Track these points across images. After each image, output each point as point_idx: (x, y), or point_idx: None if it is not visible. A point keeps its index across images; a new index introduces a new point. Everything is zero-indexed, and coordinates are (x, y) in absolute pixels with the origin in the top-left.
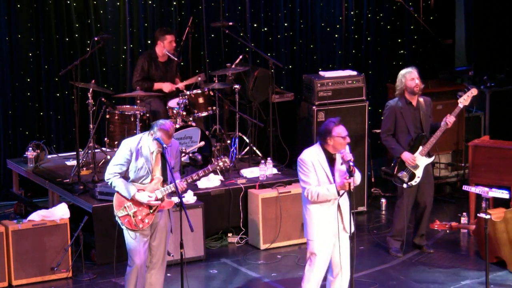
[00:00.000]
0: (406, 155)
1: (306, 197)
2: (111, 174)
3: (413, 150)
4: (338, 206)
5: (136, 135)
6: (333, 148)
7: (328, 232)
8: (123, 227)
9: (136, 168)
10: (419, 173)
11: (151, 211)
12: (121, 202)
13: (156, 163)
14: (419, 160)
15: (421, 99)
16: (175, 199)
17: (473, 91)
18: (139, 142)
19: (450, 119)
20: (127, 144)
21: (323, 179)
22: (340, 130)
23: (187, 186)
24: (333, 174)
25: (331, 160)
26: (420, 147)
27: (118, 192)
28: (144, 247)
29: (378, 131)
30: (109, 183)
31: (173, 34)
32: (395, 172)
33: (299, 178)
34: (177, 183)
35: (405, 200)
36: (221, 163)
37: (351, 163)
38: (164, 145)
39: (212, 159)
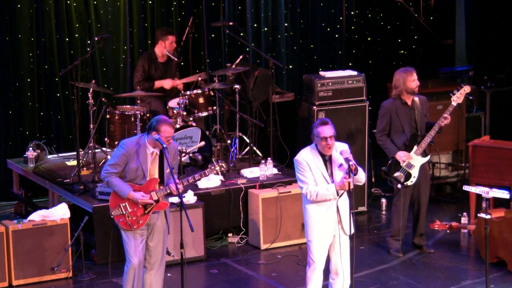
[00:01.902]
0: (400, 154)
1: (305, 196)
2: (107, 174)
3: (408, 150)
4: (337, 207)
5: (135, 136)
6: (321, 149)
7: (326, 233)
8: (119, 227)
9: (132, 168)
10: (414, 173)
11: (146, 211)
12: (116, 201)
13: (153, 164)
14: (415, 160)
15: (416, 98)
16: (173, 200)
17: (466, 89)
18: (137, 143)
19: (444, 119)
20: (125, 145)
21: (320, 179)
22: (320, 130)
23: (184, 188)
24: (330, 174)
25: (325, 160)
26: (415, 147)
27: (114, 191)
28: (140, 246)
29: None
30: (105, 182)
31: (175, 35)
32: (390, 172)
33: (297, 178)
34: (174, 185)
35: (402, 199)
36: (217, 168)
37: (351, 162)
38: (165, 145)
39: (213, 159)
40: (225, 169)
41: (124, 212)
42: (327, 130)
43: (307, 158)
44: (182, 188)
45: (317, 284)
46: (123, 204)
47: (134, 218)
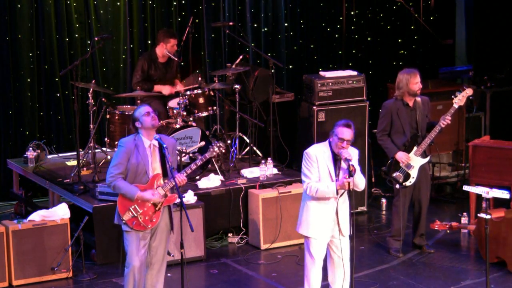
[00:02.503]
0: (400, 155)
1: (305, 191)
2: (113, 177)
3: (408, 150)
4: (336, 207)
5: (131, 135)
6: (334, 147)
7: (325, 230)
8: (128, 229)
9: (133, 164)
10: (413, 173)
11: (156, 208)
12: (125, 205)
13: (153, 158)
14: (414, 160)
15: (418, 99)
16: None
17: (468, 91)
18: (134, 139)
19: (444, 121)
20: (123, 143)
21: (325, 176)
22: (341, 131)
23: (187, 178)
24: (336, 173)
25: (336, 159)
26: (415, 147)
27: (121, 195)
28: (143, 248)
29: None
30: (111, 187)
31: (177, 38)
32: (389, 173)
33: (301, 171)
34: (177, 177)
35: (402, 199)
36: (216, 149)
37: (351, 163)
38: (164, 145)
39: (212, 142)
40: (224, 148)
41: (136, 214)
42: (347, 133)
43: (317, 153)
44: (185, 179)
45: (316, 282)
46: (132, 207)
47: (147, 218)
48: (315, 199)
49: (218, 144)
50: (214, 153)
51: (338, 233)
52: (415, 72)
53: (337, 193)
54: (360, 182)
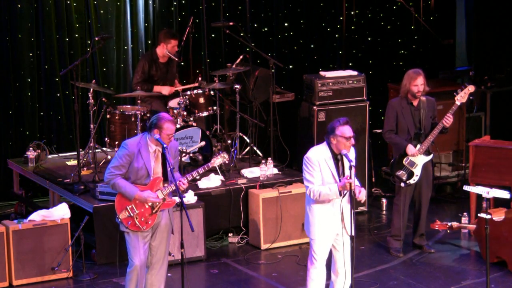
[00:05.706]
0: (410, 147)
1: (308, 195)
2: (112, 176)
3: None
4: (341, 207)
5: (136, 136)
6: (336, 148)
7: (329, 232)
8: (125, 229)
9: (136, 168)
10: (417, 171)
11: (153, 211)
12: (122, 204)
13: (156, 163)
14: (417, 158)
15: (423, 98)
16: (177, 199)
17: (470, 88)
18: (139, 143)
19: (447, 118)
20: (127, 145)
21: (328, 178)
22: (344, 130)
23: (188, 184)
24: (342, 174)
25: (337, 160)
26: (418, 145)
27: (119, 193)
28: (144, 247)
29: (378, 131)
30: (109, 184)
31: (178, 39)
32: (393, 171)
33: (303, 175)
34: (178, 182)
35: (403, 198)
36: (220, 159)
37: (352, 163)
38: (165, 145)
39: (215, 150)
40: (227, 159)
41: (132, 214)
42: (350, 130)
43: (318, 157)
44: (186, 184)
45: (319, 283)
46: (130, 206)
47: (142, 219)
48: (319, 202)
49: (222, 155)
50: (217, 164)
51: (343, 231)
52: (419, 74)
53: (340, 194)
54: (361, 194)
